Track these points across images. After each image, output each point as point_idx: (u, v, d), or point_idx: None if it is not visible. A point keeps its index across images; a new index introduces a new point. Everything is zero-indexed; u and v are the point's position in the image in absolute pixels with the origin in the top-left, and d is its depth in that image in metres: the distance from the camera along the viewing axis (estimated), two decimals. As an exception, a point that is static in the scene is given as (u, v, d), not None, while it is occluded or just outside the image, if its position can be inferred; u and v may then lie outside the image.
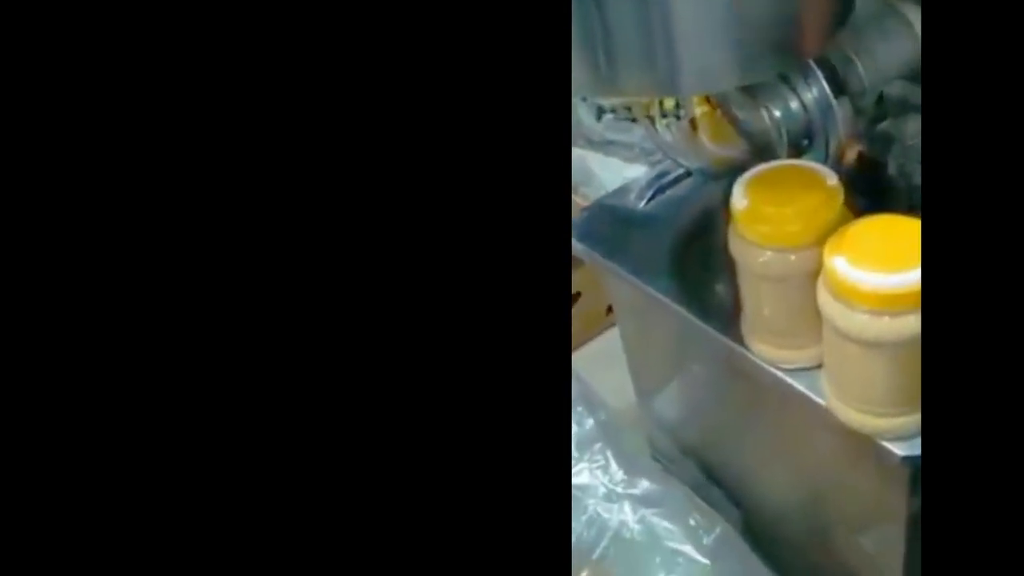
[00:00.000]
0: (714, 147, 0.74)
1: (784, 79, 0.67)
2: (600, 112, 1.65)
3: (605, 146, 1.68)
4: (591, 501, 0.91)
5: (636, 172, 1.35)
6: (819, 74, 0.66)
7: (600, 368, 1.54)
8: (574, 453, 0.94)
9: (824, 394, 0.63)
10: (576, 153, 1.85)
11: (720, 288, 0.77)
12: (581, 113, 1.65)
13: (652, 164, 0.99)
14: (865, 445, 0.61)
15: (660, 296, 0.77)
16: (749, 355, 0.68)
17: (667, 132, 0.74)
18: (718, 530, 0.87)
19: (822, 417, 0.63)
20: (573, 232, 0.85)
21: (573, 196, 1.68)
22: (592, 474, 0.93)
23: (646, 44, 0.53)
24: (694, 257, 0.80)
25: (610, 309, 1.57)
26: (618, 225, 0.86)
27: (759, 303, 0.65)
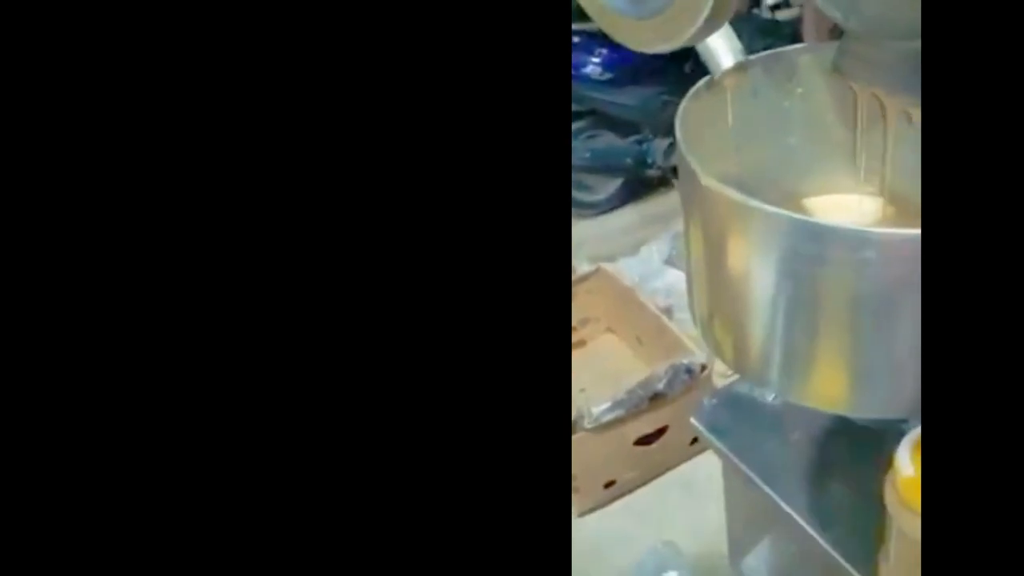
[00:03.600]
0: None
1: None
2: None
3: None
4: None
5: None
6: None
7: (679, 498, 1.53)
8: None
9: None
10: (672, 274, 1.85)
11: (849, 506, 0.75)
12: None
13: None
14: None
15: (785, 506, 0.76)
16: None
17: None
18: None
19: None
20: (701, 418, 0.85)
21: (668, 321, 1.67)
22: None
23: None
24: (825, 467, 0.79)
25: (694, 440, 1.55)
26: (746, 417, 0.85)
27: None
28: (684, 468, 1.54)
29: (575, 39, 2.26)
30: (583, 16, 2.11)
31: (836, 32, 0.68)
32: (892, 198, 0.71)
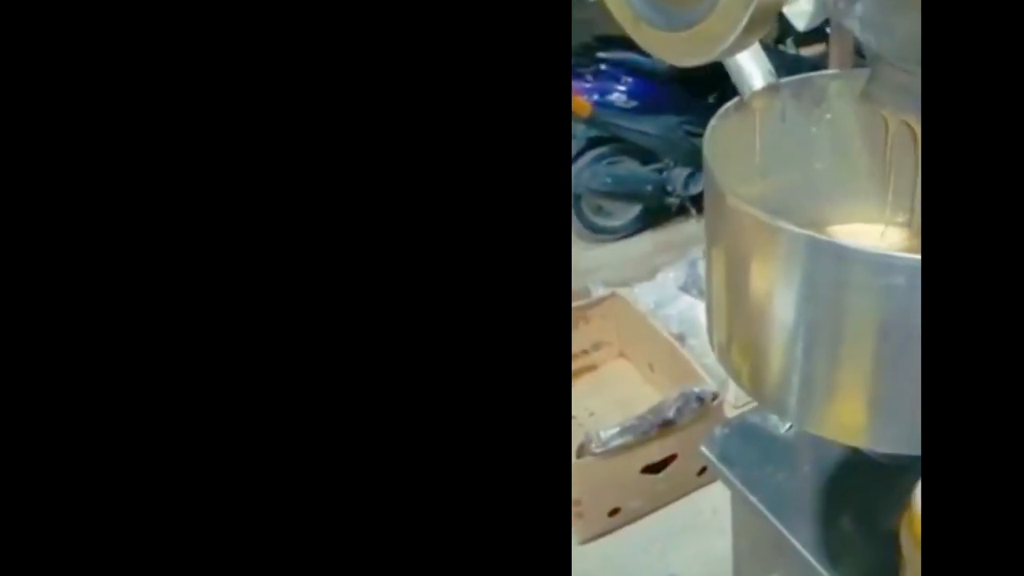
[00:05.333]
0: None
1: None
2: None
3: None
4: None
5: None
6: None
7: (685, 528, 1.51)
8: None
9: None
10: (686, 301, 1.84)
11: (859, 544, 0.73)
12: (700, 268, 1.64)
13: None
14: None
15: (793, 540, 0.74)
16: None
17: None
18: None
19: None
20: (711, 447, 0.83)
21: (680, 347, 1.66)
22: None
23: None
24: (836, 502, 0.77)
25: (702, 471, 1.54)
26: (757, 448, 0.83)
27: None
28: (691, 498, 1.52)
29: (602, 67, 2.30)
30: (610, 45, 2.13)
31: (861, 66, 0.68)
32: (919, 229, 0.70)
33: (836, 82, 0.67)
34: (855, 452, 0.80)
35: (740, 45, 0.47)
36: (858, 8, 0.54)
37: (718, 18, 0.46)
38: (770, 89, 0.59)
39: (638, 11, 0.50)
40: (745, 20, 0.45)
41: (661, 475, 1.49)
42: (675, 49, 0.49)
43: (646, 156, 2.27)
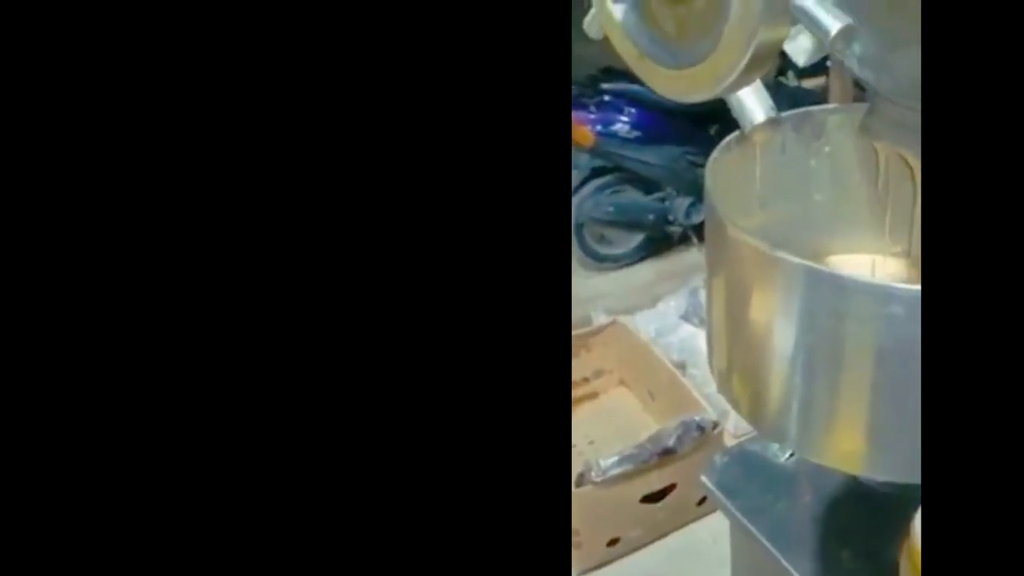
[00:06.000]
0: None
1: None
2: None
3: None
4: None
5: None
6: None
7: (685, 560, 1.50)
8: None
9: None
10: (687, 329, 1.84)
11: (859, 574, 0.73)
12: (701, 297, 1.65)
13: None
14: None
15: (793, 571, 0.74)
16: None
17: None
18: None
19: None
20: (711, 476, 0.83)
21: (681, 376, 1.66)
22: None
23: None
24: (836, 532, 0.77)
25: (702, 500, 1.53)
26: (757, 477, 0.83)
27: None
28: (691, 528, 1.51)
29: (606, 98, 2.32)
30: (613, 77, 2.14)
31: (861, 100, 0.69)
32: (917, 260, 0.71)
33: (835, 116, 0.68)
34: (855, 481, 0.80)
35: (742, 82, 0.48)
36: (856, 47, 0.55)
37: (721, 57, 0.48)
38: (770, 123, 0.61)
39: (642, 48, 0.51)
40: (747, 59, 0.46)
41: (660, 504, 1.49)
42: (678, 86, 0.50)
43: (648, 186, 2.29)
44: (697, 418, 1.46)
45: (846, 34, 0.36)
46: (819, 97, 2.14)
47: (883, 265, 0.73)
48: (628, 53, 0.54)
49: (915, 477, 0.61)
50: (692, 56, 0.49)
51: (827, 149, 0.68)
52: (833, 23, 0.35)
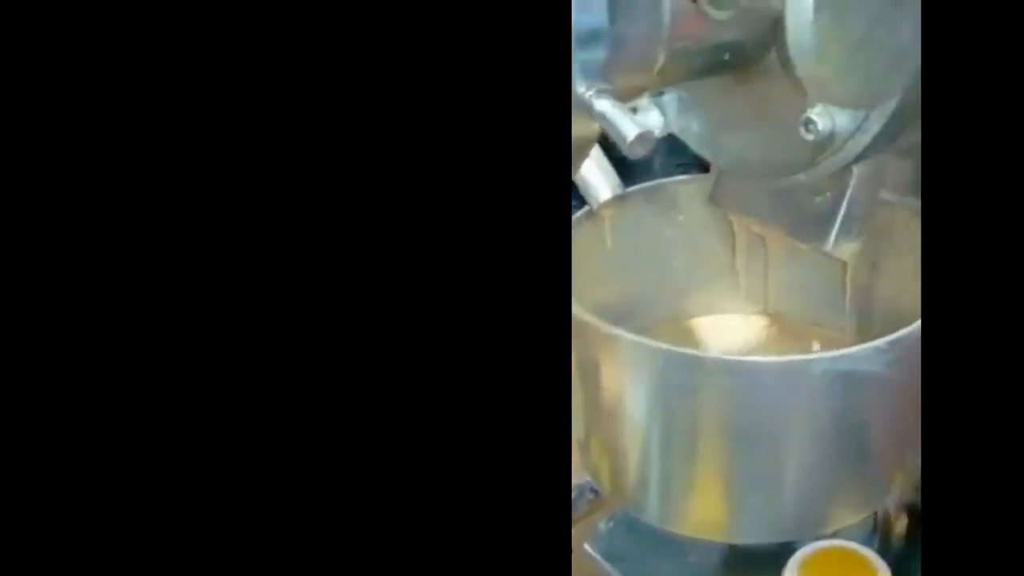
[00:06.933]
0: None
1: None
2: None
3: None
4: None
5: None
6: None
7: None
8: None
9: None
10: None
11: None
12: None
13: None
14: None
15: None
16: None
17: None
18: None
19: None
20: (596, 544, 0.83)
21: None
22: None
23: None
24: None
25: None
26: (644, 541, 0.82)
27: None
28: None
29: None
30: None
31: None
32: (775, 317, 0.74)
33: (688, 186, 0.70)
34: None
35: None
36: (694, 126, 0.57)
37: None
38: (619, 199, 0.62)
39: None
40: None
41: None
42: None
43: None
44: (591, 481, 1.45)
45: (643, 139, 0.36)
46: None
47: (744, 323, 0.75)
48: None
49: (778, 537, 0.62)
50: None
51: (681, 218, 0.70)
52: (631, 128, 0.35)
